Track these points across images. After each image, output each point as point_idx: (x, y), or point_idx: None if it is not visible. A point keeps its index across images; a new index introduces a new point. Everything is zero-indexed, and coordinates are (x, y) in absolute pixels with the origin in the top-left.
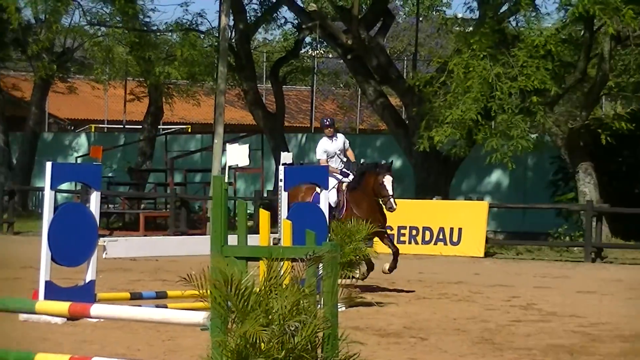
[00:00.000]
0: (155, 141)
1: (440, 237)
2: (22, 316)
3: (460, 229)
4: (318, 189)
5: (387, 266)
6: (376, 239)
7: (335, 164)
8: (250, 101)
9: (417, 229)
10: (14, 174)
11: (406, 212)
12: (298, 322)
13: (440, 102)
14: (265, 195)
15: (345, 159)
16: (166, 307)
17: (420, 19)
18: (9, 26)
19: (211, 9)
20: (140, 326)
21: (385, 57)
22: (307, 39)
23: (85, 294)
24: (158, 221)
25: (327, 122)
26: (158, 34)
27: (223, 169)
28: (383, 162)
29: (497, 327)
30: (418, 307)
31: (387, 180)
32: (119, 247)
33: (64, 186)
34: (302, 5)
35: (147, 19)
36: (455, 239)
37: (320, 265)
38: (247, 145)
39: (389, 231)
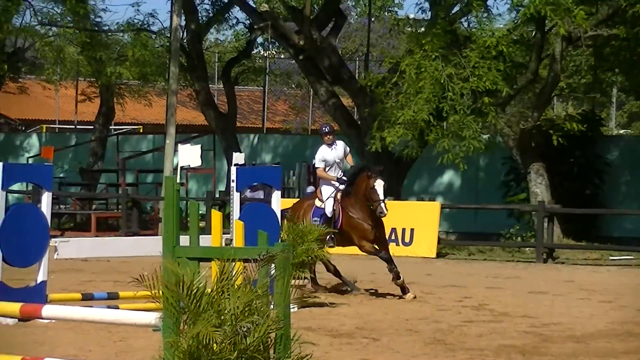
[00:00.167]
0: (106, 141)
1: (393, 237)
2: None
3: (412, 230)
4: (317, 203)
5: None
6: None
7: (334, 172)
8: (202, 101)
9: None
10: None
11: None
12: (250, 322)
13: (392, 102)
14: (217, 195)
15: (341, 171)
16: (118, 308)
17: (372, 19)
18: None
19: (163, 9)
20: (92, 327)
21: (337, 58)
22: (259, 40)
23: (37, 294)
24: (110, 222)
25: (326, 129)
26: (109, 34)
27: (175, 169)
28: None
29: (449, 328)
30: (370, 308)
31: (379, 185)
32: (70, 247)
33: (15, 187)
34: (253, 5)
35: (98, 19)
36: (407, 239)
37: (273, 265)
38: (199, 145)
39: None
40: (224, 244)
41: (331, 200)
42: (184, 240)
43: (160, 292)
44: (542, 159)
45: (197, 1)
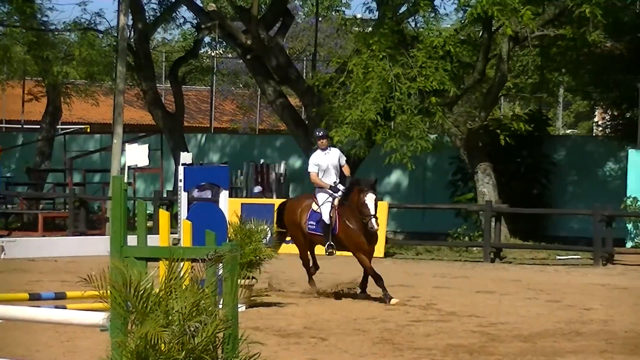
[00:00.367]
0: (53, 141)
1: None
2: None
3: None
4: (314, 207)
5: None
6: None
7: (329, 178)
8: (150, 101)
9: None
10: None
11: None
12: (198, 322)
13: (340, 102)
14: (164, 195)
15: (338, 176)
16: (65, 308)
17: (320, 19)
18: None
19: (110, 9)
20: (39, 327)
21: (284, 57)
22: (207, 39)
23: None
24: (57, 221)
25: (320, 134)
26: (56, 33)
27: (122, 169)
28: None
29: (397, 327)
30: (318, 308)
31: (370, 199)
32: (17, 247)
33: None
34: (201, 5)
35: (45, 18)
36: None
37: (221, 265)
38: (147, 145)
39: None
40: (171, 244)
41: (328, 207)
42: (132, 240)
43: (108, 292)
44: (489, 158)
45: (144, 0)
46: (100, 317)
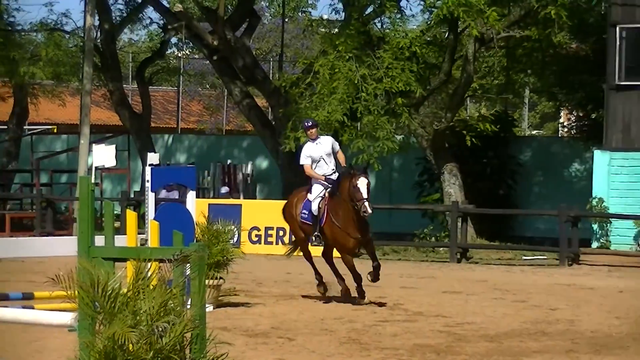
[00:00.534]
0: (20, 142)
1: None
2: None
3: None
4: (309, 196)
5: (369, 277)
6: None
7: (322, 169)
8: (116, 102)
9: (284, 229)
10: None
11: (273, 213)
12: (166, 322)
13: (307, 103)
14: (132, 196)
15: (333, 164)
16: (33, 308)
17: (286, 20)
18: None
19: (76, 9)
20: (7, 327)
21: (251, 58)
22: (173, 40)
23: None
24: (24, 222)
25: (309, 124)
26: (23, 33)
27: (89, 169)
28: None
29: (364, 327)
30: (285, 308)
31: (362, 183)
32: None
33: None
34: (167, 5)
35: (11, 19)
36: (290, 227)
37: (188, 265)
38: (114, 146)
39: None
40: (139, 244)
41: (319, 198)
42: (99, 240)
43: (76, 292)
44: (455, 159)
45: (111, 1)
46: (68, 318)
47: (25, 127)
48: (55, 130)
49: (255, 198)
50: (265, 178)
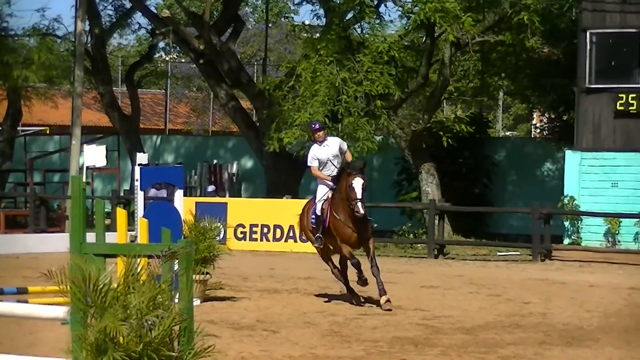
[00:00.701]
0: (14, 142)
1: (291, 234)
2: None
3: None
4: (316, 201)
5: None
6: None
7: (330, 171)
8: (107, 104)
9: (268, 227)
10: None
11: (258, 211)
12: (155, 316)
13: (289, 105)
14: (122, 194)
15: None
16: (27, 302)
17: (270, 25)
18: None
19: (67, 15)
20: (2, 321)
21: (236, 62)
22: (161, 44)
23: None
24: (18, 219)
25: (316, 127)
26: (16, 38)
27: (81, 169)
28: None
29: (345, 320)
30: (270, 301)
31: (357, 183)
32: None
33: None
34: (155, 11)
35: (5, 24)
36: (304, 236)
37: (176, 261)
38: (104, 146)
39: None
40: (129, 241)
41: (322, 200)
42: (90, 237)
43: (68, 287)
44: (432, 159)
45: (100, 7)
46: (61, 311)
47: (18, 128)
48: (47, 132)
49: (240, 196)
50: (250, 177)
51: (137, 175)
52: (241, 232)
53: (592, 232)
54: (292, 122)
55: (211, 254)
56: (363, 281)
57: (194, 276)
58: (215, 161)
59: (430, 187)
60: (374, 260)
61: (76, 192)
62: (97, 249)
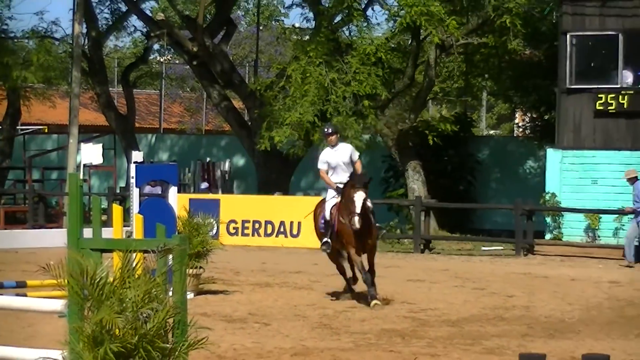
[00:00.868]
0: (13, 141)
1: (282, 230)
2: None
3: (299, 223)
4: (325, 205)
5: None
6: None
7: (339, 177)
8: (103, 104)
9: (259, 222)
10: None
11: (250, 207)
12: (150, 309)
13: (280, 105)
14: (118, 191)
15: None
16: (26, 295)
17: (261, 28)
18: None
19: (65, 17)
20: (1, 314)
21: (228, 63)
22: (156, 46)
23: None
24: (17, 215)
25: (329, 131)
26: (15, 40)
27: (78, 166)
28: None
29: (335, 313)
30: (261, 295)
31: (358, 197)
32: None
33: None
34: (150, 14)
35: (4, 27)
36: (295, 231)
37: (170, 256)
38: (101, 144)
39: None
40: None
41: (331, 204)
42: (87, 232)
43: (66, 281)
44: (418, 157)
45: (97, 10)
46: (58, 304)
47: (18, 127)
48: (46, 130)
49: (232, 193)
50: (242, 175)
51: (133, 173)
52: (233, 228)
53: (573, 228)
54: (282, 121)
55: (204, 248)
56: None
57: (187, 270)
58: (208, 159)
59: (416, 184)
60: (371, 268)
61: (73, 189)
62: (93, 244)
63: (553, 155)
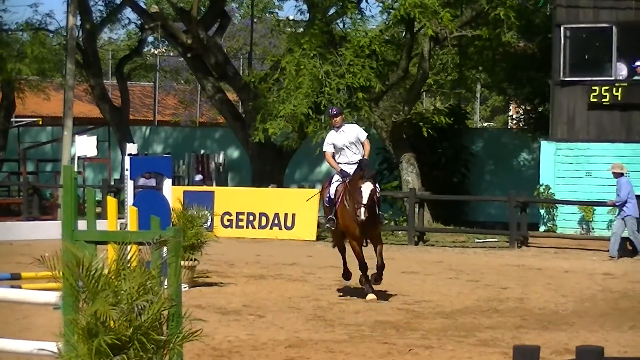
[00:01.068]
0: (8, 133)
1: (276, 222)
2: None
3: (294, 215)
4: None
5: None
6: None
7: (346, 158)
8: (97, 96)
9: (254, 214)
10: None
11: (244, 199)
12: (145, 301)
13: (274, 97)
14: (112, 183)
15: (360, 153)
16: (20, 287)
17: (255, 20)
18: None
19: (59, 10)
20: None
21: (222, 56)
22: (150, 39)
23: None
24: (12, 207)
25: (333, 112)
26: (9, 33)
27: (72, 159)
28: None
29: (329, 305)
30: (256, 287)
31: (365, 188)
32: None
33: None
34: (144, 7)
35: None
36: (289, 224)
37: (165, 248)
38: (95, 137)
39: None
40: (119, 229)
41: (337, 183)
42: (82, 224)
43: (61, 273)
44: (412, 149)
45: (91, 2)
46: (53, 296)
47: (12, 119)
48: (40, 123)
49: (227, 185)
50: (236, 167)
51: (127, 165)
52: (228, 220)
53: (567, 220)
54: (276, 113)
55: (199, 241)
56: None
57: (182, 262)
58: (202, 151)
59: (410, 176)
60: (381, 259)
61: (68, 181)
62: (88, 236)
63: (547, 148)
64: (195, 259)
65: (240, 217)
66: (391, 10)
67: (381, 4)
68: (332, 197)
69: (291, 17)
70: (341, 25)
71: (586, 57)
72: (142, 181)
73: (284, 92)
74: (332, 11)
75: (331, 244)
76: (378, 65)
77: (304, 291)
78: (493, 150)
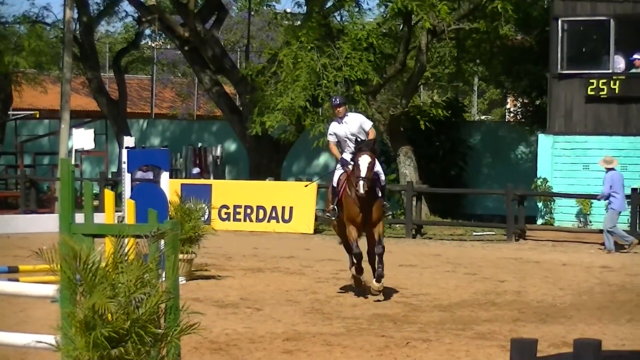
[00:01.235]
0: (5, 126)
1: (273, 215)
2: None
3: (291, 208)
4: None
5: (374, 283)
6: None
7: (348, 147)
8: (95, 89)
9: (251, 207)
10: None
11: (241, 192)
12: (142, 294)
13: (272, 90)
14: (109, 176)
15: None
16: (18, 280)
17: (252, 13)
18: None
19: (56, 2)
20: None
21: (219, 49)
22: (147, 32)
23: None
24: (9, 201)
25: (337, 102)
26: (6, 25)
27: (70, 152)
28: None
29: (327, 298)
30: (253, 280)
31: (363, 160)
32: None
33: None
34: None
35: None
36: (286, 217)
37: (163, 241)
38: (92, 130)
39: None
40: (116, 222)
41: (340, 172)
42: (79, 218)
43: (58, 265)
44: (410, 142)
45: None
46: (50, 289)
47: (9, 112)
48: (37, 116)
49: (224, 178)
50: (233, 160)
51: (124, 158)
52: (225, 213)
53: (565, 213)
54: (274, 106)
55: (196, 234)
56: (358, 271)
57: (179, 256)
58: (199, 144)
59: (408, 169)
60: (379, 245)
61: (65, 174)
62: (85, 229)
63: (544, 141)
64: (192, 252)
65: (238, 210)
66: (389, 3)
67: None
68: (335, 186)
69: (288, 10)
70: (338, 18)
71: (584, 50)
72: (139, 174)
73: (281, 85)
74: (329, 4)
75: (337, 241)
76: (375, 58)
77: (301, 284)
78: (490, 143)
